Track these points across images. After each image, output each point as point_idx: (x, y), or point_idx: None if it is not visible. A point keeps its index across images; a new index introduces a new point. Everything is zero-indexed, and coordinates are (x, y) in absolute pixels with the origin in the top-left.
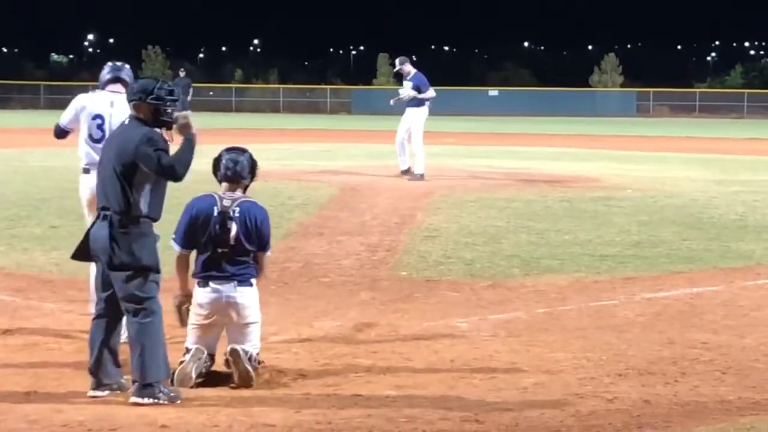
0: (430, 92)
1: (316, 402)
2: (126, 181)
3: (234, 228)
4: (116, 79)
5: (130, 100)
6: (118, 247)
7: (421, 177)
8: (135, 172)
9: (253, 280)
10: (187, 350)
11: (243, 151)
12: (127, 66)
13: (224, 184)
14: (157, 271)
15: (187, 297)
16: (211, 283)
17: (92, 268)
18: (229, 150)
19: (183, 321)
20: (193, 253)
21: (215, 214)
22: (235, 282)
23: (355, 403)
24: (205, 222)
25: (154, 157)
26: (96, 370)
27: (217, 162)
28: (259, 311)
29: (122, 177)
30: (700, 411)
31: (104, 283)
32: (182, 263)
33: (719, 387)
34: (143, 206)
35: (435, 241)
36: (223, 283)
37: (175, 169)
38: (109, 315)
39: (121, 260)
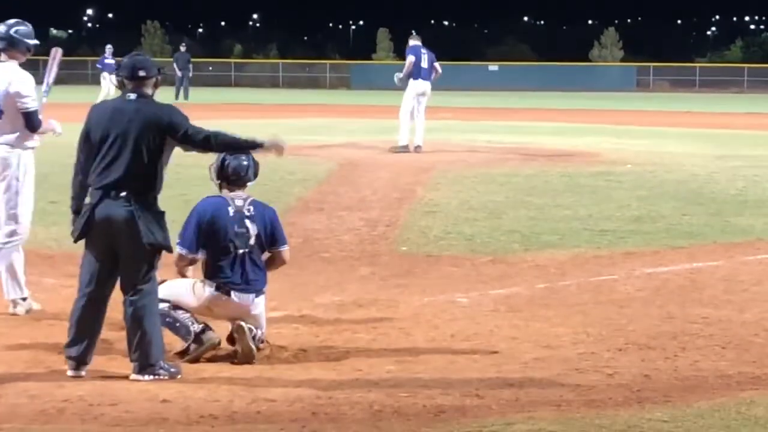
0: (404, 70)
1: (317, 377)
2: (153, 158)
3: (253, 227)
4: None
5: (150, 75)
6: (146, 226)
7: (403, 149)
8: (162, 149)
9: (266, 289)
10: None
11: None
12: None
13: (228, 187)
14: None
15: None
16: (233, 294)
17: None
18: (231, 153)
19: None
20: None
21: (230, 214)
22: (254, 294)
23: (356, 379)
24: (218, 224)
25: (190, 126)
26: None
27: (221, 167)
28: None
29: (149, 154)
30: (700, 385)
31: (102, 264)
32: (186, 263)
33: (719, 361)
34: (160, 183)
35: (435, 217)
36: (242, 294)
37: (210, 141)
38: (104, 297)
39: (152, 239)
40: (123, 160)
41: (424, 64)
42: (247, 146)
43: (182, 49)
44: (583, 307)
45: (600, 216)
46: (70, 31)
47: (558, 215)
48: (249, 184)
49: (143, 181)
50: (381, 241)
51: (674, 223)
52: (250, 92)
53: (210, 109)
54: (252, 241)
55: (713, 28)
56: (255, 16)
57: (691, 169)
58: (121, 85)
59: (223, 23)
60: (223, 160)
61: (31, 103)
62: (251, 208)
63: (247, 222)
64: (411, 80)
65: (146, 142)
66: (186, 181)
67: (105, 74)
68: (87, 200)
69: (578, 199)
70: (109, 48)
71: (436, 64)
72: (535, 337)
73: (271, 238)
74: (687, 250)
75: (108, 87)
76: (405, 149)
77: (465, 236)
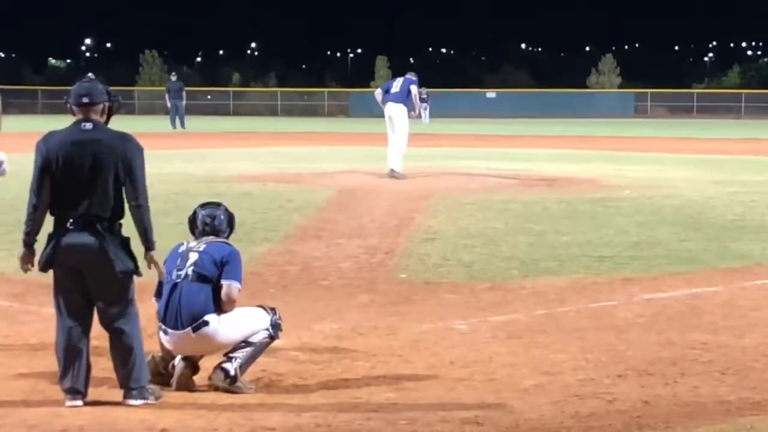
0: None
1: (316, 405)
2: (116, 186)
3: (193, 256)
4: None
5: (96, 102)
6: (117, 254)
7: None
8: (126, 175)
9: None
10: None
11: (218, 205)
12: None
13: (198, 239)
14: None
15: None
16: (168, 333)
17: None
18: (203, 205)
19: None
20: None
21: (179, 251)
22: (189, 329)
23: (355, 406)
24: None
25: (142, 173)
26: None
27: (193, 219)
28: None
29: (112, 182)
30: (700, 411)
31: (72, 294)
32: None
33: (719, 387)
34: (123, 210)
35: (434, 244)
36: (175, 330)
37: (144, 198)
38: (84, 326)
39: (124, 266)
40: (86, 190)
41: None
42: (146, 242)
43: (173, 78)
44: (582, 333)
45: (599, 242)
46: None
47: (557, 241)
48: (222, 236)
49: (108, 209)
50: (380, 269)
51: (673, 249)
52: (249, 121)
53: (208, 137)
54: (188, 271)
55: (710, 54)
56: (253, 45)
57: (689, 195)
58: (71, 113)
59: (221, 52)
60: (195, 212)
61: None
62: (204, 245)
63: (191, 254)
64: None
65: (107, 171)
66: (185, 209)
67: None
68: (52, 231)
69: (577, 226)
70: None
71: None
72: (534, 364)
73: (221, 271)
74: (686, 276)
75: None
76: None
77: (463, 263)
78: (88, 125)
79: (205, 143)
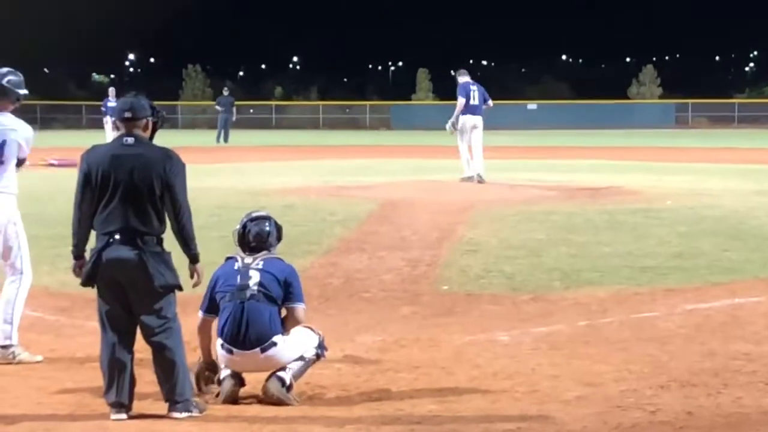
0: (454, 113)
1: (359, 417)
2: (157, 201)
3: (256, 275)
4: None
5: (139, 117)
6: (157, 268)
7: (468, 179)
8: (166, 191)
9: (277, 338)
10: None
11: (267, 218)
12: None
13: (248, 254)
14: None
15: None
16: (234, 351)
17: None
18: (252, 220)
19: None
20: None
21: (234, 268)
22: (258, 350)
23: (398, 418)
24: (221, 280)
25: (183, 188)
26: (126, 396)
27: (243, 233)
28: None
29: (152, 197)
30: (744, 422)
31: (114, 308)
32: (202, 325)
33: (762, 398)
34: (165, 224)
35: (475, 255)
36: (243, 351)
37: (186, 214)
38: (128, 339)
39: (164, 281)
40: (127, 205)
41: (474, 101)
42: (189, 254)
43: (225, 92)
44: (625, 344)
45: (640, 253)
46: (112, 75)
47: (598, 252)
48: (272, 249)
49: (148, 224)
50: (422, 281)
51: (715, 259)
52: (291, 134)
53: (251, 151)
54: (254, 291)
55: (751, 64)
56: (295, 58)
57: (731, 205)
58: (115, 127)
59: (263, 66)
60: (244, 226)
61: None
62: (262, 262)
63: (251, 272)
64: (466, 115)
65: (147, 186)
66: (227, 222)
67: (107, 118)
68: (92, 245)
69: (618, 236)
70: (111, 90)
71: (489, 101)
72: (577, 375)
73: (286, 292)
74: (728, 286)
75: (109, 129)
76: (470, 179)
77: (505, 274)
78: (130, 140)
79: (248, 157)
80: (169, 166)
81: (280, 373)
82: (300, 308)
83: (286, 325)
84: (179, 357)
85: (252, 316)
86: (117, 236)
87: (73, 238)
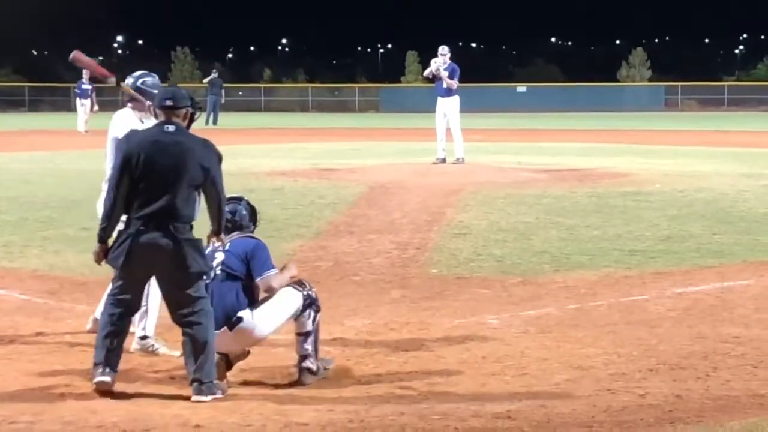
0: (454, 82)
1: (349, 400)
2: (193, 189)
3: (220, 256)
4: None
5: (179, 106)
6: (193, 255)
7: (462, 161)
8: (206, 180)
9: (244, 313)
10: None
11: (239, 199)
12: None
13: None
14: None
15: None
16: None
17: None
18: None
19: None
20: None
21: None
22: (225, 327)
23: (388, 401)
24: None
25: (221, 179)
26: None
27: None
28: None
29: (189, 185)
30: (733, 405)
31: (135, 290)
32: None
33: (751, 381)
34: (198, 212)
35: (465, 238)
36: None
37: (224, 202)
38: (130, 315)
39: (197, 268)
40: (165, 191)
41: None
42: (216, 229)
43: (214, 74)
44: (614, 327)
45: (629, 236)
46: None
47: (587, 235)
48: (246, 230)
49: (184, 210)
50: (411, 264)
51: (704, 243)
52: (280, 116)
53: (239, 133)
54: (216, 272)
55: (741, 47)
56: (284, 41)
57: (720, 188)
58: (154, 115)
59: (252, 48)
60: None
61: None
62: (229, 243)
63: (217, 253)
64: (455, 96)
65: (185, 173)
66: None
67: (81, 100)
68: (125, 228)
69: (608, 220)
70: (85, 73)
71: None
72: (566, 358)
73: (249, 266)
74: (717, 269)
75: (82, 112)
76: (462, 161)
77: (495, 258)
78: (171, 127)
79: (237, 139)
80: (209, 155)
81: (305, 364)
82: (269, 276)
83: (254, 298)
84: (211, 337)
85: (217, 297)
86: (153, 221)
87: (103, 221)
